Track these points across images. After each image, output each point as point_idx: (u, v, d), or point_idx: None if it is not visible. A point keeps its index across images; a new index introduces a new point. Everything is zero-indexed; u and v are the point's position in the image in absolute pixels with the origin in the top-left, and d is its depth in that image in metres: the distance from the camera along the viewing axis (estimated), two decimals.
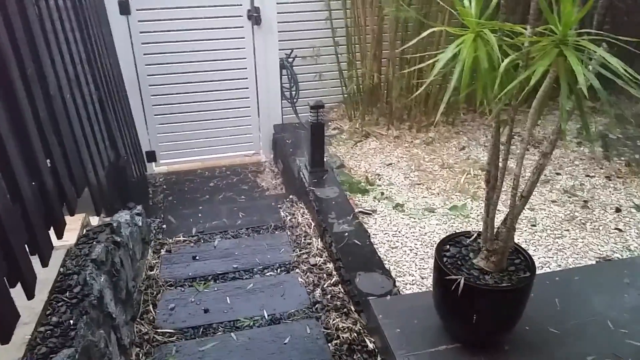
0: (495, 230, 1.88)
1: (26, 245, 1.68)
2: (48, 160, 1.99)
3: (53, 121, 2.09)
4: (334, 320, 2.41)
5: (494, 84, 1.81)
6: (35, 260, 1.71)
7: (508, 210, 1.81)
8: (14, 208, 1.63)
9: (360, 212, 3.19)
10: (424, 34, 2.00)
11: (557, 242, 2.89)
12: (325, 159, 3.68)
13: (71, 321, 1.75)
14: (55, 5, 2.36)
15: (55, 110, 2.12)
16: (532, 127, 1.71)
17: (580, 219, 3.11)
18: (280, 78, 4.43)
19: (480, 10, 1.79)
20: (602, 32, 1.57)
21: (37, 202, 1.83)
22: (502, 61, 1.72)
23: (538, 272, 2.03)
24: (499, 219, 1.89)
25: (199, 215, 3.58)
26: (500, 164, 1.81)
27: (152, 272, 2.88)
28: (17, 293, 1.53)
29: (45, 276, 1.90)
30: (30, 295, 1.61)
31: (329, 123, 4.64)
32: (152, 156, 4.38)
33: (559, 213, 3.19)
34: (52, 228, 1.95)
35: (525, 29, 1.62)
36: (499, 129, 1.79)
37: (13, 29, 1.81)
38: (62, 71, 2.30)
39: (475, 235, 2.02)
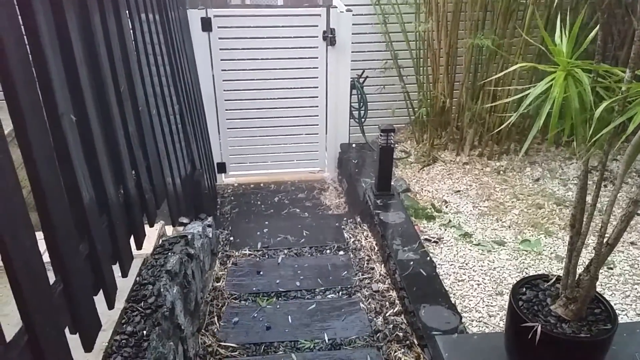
0: (576, 276, 1.79)
1: None
2: (133, 172, 2.09)
3: (140, 135, 2.20)
4: (395, 352, 2.37)
5: (584, 125, 1.74)
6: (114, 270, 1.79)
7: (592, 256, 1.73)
8: (101, 219, 1.72)
9: (426, 239, 3.13)
10: (513, 68, 1.95)
11: (636, 289, 2.71)
12: (391, 183, 3.65)
13: (144, 332, 1.82)
14: (147, 23, 2.49)
15: (142, 125, 2.23)
16: (624, 174, 1.62)
17: None
18: (350, 98, 4.46)
19: (572, 49, 1.74)
20: None
21: (122, 213, 1.92)
22: (594, 102, 1.65)
23: None
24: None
25: (265, 230, 3.64)
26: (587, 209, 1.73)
27: (218, 284, 2.95)
28: (96, 299, 1.60)
29: (123, 284, 1.99)
30: (111, 305, 1.69)
31: (395, 145, 4.60)
32: (222, 167, 4.52)
33: (639, 257, 2.99)
34: (132, 238, 2.04)
35: (624, 72, 1.55)
36: (587, 173, 1.71)
37: (112, 49, 1.93)
38: (150, 87, 2.42)
39: (554, 279, 1.93)
